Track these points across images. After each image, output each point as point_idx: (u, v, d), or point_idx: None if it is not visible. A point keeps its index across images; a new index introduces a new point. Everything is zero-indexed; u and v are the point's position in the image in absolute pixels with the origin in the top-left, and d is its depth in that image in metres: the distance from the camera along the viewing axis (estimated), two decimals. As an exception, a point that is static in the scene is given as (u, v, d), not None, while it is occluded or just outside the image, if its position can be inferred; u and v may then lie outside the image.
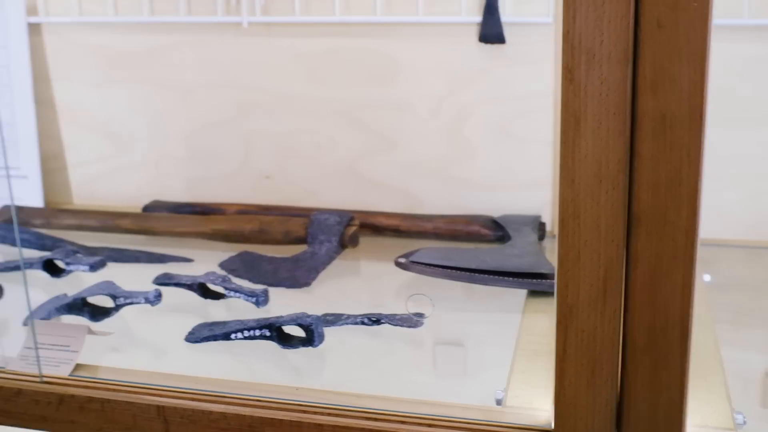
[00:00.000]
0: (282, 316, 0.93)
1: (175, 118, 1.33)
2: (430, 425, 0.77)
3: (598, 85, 0.66)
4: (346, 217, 1.19)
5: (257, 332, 0.93)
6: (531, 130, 1.20)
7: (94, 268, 1.10)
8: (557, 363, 0.72)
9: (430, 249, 1.11)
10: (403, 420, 0.78)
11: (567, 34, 0.64)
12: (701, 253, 0.67)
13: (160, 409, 0.84)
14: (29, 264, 1.12)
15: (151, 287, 1.03)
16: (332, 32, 1.24)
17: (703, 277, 1.08)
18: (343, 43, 1.24)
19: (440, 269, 1.06)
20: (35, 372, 0.89)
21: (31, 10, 1.35)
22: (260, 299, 1.00)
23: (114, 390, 0.86)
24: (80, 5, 1.33)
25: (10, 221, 1.27)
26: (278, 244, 1.20)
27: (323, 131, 1.28)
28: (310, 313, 0.92)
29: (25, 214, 1.30)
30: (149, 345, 0.99)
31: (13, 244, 1.21)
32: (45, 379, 0.88)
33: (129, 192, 1.37)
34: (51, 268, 1.13)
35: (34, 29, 1.35)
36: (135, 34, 1.32)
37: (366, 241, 1.21)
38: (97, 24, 1.33)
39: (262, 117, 1.30)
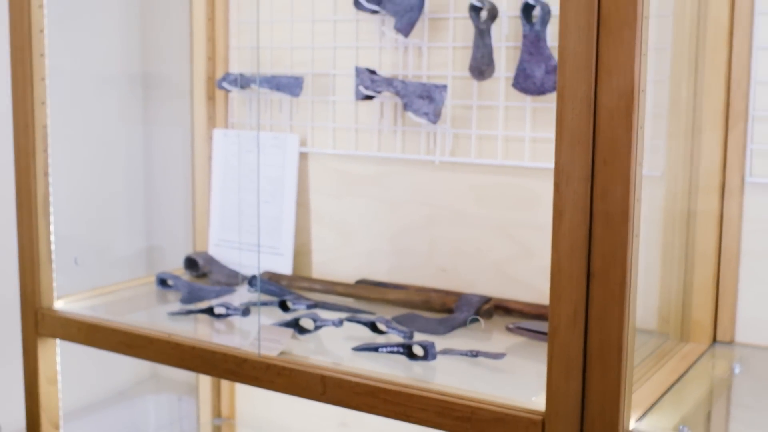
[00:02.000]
0: (412, 341, 1.44)
1: (385, 223, 1.90)
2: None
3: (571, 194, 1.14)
4: (485, 298, 1.69)
5: (395, 349, 1.45)
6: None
7: (309, 307, 1.67)
8: (548, 365, 1.18)
9: (533, 322, 1.58)
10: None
11: (556, 165, 1.14)
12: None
13: (323, 378, 1.38)
14: (271, 303, 1.72)
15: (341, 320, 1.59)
16: (495, 171, 1.76)
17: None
18: (502, 179, 1.76)
19: (534, 333, 1.53)
20: (256, 351, 1.46)
21: (303, 143, 2.00)
22: (406, 334, 1.52)
23: (299, 365, 1.41)
24: (334, 142, 1.96)
25: (271, 279, 1.88)
26: (437, 312, 1.72)
27: (483, 240, 1.79)
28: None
29: (277, 277, 1.92)
30: (330, 350, 1.54)
31: (268, 292, 1.82)
32: (261, 356, 1.45)
33: (348, 271, 1.95)
34: (283, 306, 1.72)
35: (303, 156, 2.00)
36: (367, 163, 1.92)
37: (498, 318, 1.69)
38: (344, 155, 1.94)
39: (442, 226, 1.84)
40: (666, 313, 1.56)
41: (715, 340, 1.56)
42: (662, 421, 1.22)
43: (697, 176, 1.54)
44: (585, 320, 1.15)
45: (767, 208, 1.53)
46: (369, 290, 1.83)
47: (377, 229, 1.92)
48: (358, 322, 1.60)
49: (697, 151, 1.54)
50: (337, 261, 1.98)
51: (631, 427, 1.17)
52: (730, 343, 1.55)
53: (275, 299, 1.75)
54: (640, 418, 1.22)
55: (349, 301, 1.82)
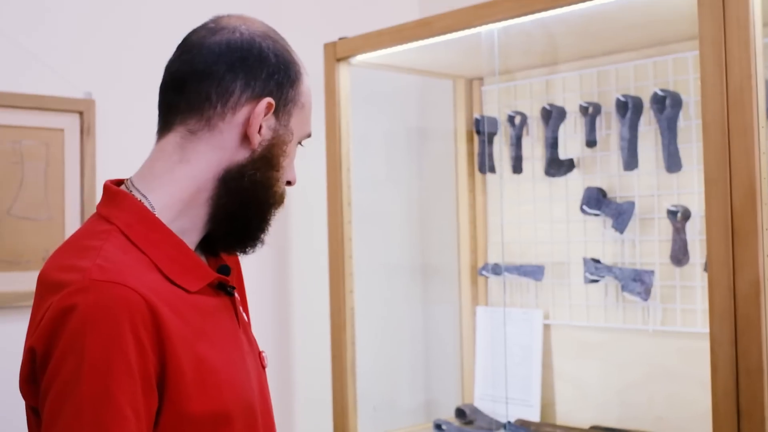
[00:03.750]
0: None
1: (612, 380, 2.38)
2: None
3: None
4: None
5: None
6: None
7: (549, 444, 2.17)
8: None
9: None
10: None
11: (711, 333, 1.62)
12: None
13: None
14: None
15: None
16: (697, 337, 2.21)
17: None
18: (703, 344, 2.20)
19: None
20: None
21: (546, 316, 2.54)
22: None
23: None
24: (570, 315, 2.48)
25: (522, 425, 2.41)
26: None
27: (690, 392, 2.22)
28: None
29: (527, 423, 2.44)
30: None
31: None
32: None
33: (584, 418, 2.42)
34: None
35: (546, 327, 2.54)
36: (596, 332, 2.42)
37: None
38: (578, 326, 2.46)
39: (658, 382, 2.28)
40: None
41: None
42: None
43: None
44: None
45: None
46: (594, 433, 2.30)
47: (606, 384, 2.40)
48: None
49: None
50: (574, 411, 2.47)
51: None
52: None
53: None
54: None
55: (583, 443, 2.30)
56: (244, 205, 1.27)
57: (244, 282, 1.45)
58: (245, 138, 1.24)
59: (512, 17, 1.98)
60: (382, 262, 2.80)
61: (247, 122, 1.24)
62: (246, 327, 1.35)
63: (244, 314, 1.37)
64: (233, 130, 1.24)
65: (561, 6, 1.89)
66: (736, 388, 1.60)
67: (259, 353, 1.37)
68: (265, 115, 1.25)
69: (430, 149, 2.87)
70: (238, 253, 1.34)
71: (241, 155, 1.25)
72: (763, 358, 1.57)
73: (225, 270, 1.32)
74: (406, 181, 2.87)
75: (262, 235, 1.32)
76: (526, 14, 1.96)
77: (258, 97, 1.24)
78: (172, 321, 1.15)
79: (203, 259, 1.32)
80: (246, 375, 1.27)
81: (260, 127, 1.24)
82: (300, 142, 1.33)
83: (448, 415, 2.65)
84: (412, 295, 2.87)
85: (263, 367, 1.37)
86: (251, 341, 1.35)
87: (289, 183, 1.33)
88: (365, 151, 2.62)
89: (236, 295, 1.33)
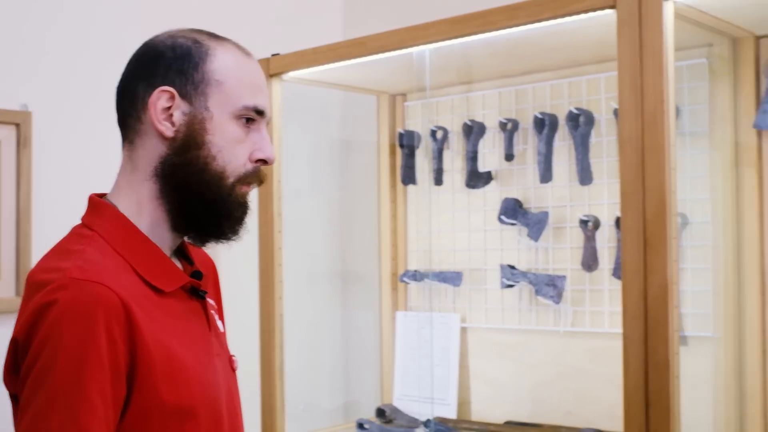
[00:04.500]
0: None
1: (525, 378, 2.54)
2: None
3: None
4: (599, 431, 2.29)
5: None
6: None
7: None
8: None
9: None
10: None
11: (624, 332, 1.79)
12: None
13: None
14: None
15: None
16: (604, 337, 2.39)
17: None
18: (610, 343, 2.38)
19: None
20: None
21: (463, 320, 2.69)
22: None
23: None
24: (486, 319, 2.64)
25: (441, 422, 2.54)
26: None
27: (598, 389, 2.40)
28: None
29: (445, 420, 2.58)
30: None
31: (439, 431, 2.48)
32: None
33: (499, 415, 2.58)
34: None
35: (463, 330, 2.69)
36: (510, 334, 2.59)
37: (610, 447, 2.28)
38: (494, 328, 2.62)
39: (567, 380, 2.46)
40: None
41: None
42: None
43: (744, 336, 2.13)
44: (648, 433, 1.76)
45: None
46: (515, 428, 2.46)
47: (519, 383, 2.56)
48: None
49: (744, 318, 2.14)
50: (489, 408, 2.62)
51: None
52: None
53: None
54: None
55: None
56: (187, 192, 1.34)
57: (221, 291, 1.55)
58: (159, 131, 1.33)
59: (445, 39, 2.13)
60: (307, 269, 2.90)
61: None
62: (217, 331, 1.44)
63: (217, 320, 1.46)
64: (149, 128, 1.33)
65: (490, 30, 2.05)
66: (645, 382, 1.77)
67: (230, 357, 1.46)
68: (171, 104, 1.31)
69: (354, 161, 3.00)
70: (224, 241, 1.39)
71: (163, 147, 1.33)
72: (670, 355, 1.74)
73: (197, 275, 1.42)
74: (330, 191, 2.99)
75: (231, 216, 1.36)
76: (458, 37, 2.10)
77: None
78: (144, 318, 1.25)
79: (179, 264, 1.42)
80: (213, 374, 1.36)
81: (171, 116, 1.32)
82: (251, 119, 1.35)
83: (369, 414, 2.77)
84: (335, 301, 2.98)
85: (233, 370, 1.47)
86: (222, 345, 1.45)
87: (264, 162, 1.37)
88: (292, 163, 2.72)
89: (209, 300, 1.43)
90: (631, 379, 1.79)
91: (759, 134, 2.15)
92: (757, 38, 2.12)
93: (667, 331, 1.75)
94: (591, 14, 1.91)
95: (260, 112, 1.36)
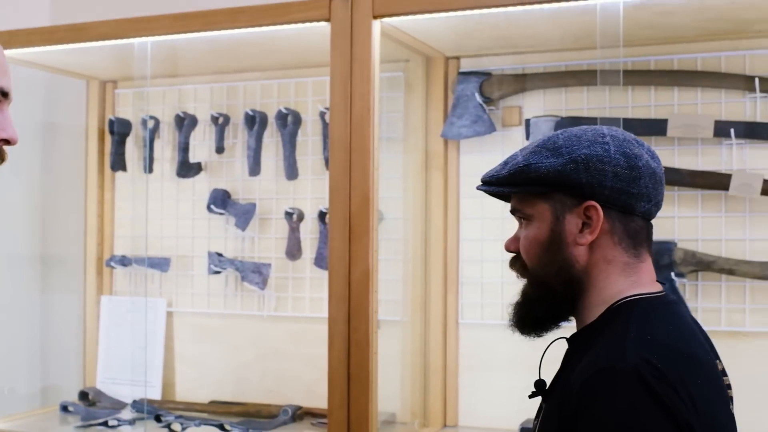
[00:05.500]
0: None
1: (229, 360, 2.69)
2: None
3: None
4: (298, 407, 2.49)
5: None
6: None
7: (176, 419, 2.43)
8: None
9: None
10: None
11: (329, 313, 2.00)
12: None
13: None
14: (149, 417, 2.47)
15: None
16: (305, 321, 2.59)
17: None
18: (310, 326, 2.59)
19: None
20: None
21: (169, 304, 2.78)
22: (245, 431, 2.29)
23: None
24: (192, 303, 2.75)
25: (147, 402, 2.62)
26: (267, 418, 2.50)
27: (297, 369, 2.60)
28: None
29: (151, 401, 2.66)
30: None
31: (146, 411, 2.56)
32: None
33: (203, 394, 2.70)
34: (158, 419, 2.46)
35: (169, 314, 2.78)
36: (215, 318, 2.72)
37: (307, 418, 2.49)
38: (199, 312, 2.74)
39: (269, 361, 2.64)
40: (413, 403, 2.40)
41: (445, 424, 2.40)
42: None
43: (429, 319, 2.43)
44: (348, 406, 1.98)
45: (470, 338, 2.42)
46: (219, 407, 2.60)
47: (223, 365, 2.70)
48: (212, 425, 2.37)
49: (429, 308, 2.44)
50: (194, 389, 2.74)
51: (377, 469, 1.99)
52: (455, 426, 2.40)
53: (151, 415, 2.50)
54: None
55: (204, 415, 2.58)
56: None
57: None
58: None
59: (168, 34, 2.22)
60: (6, 252, 2.85)
61: None
62: None
63: None
64: None
65: (213, 30, 2.17)
66: (347, 359, 1.99)
67: None
68: None
69: (61, 145, 2.97)
70: None
71: None
72: (370, 334, 1.97)
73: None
74: (32, 174, 2.94)
75: None
76: (181, 33, 2.20)
77: None
78: None
79: None
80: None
81: None
82: None
83: (72, 398, 2.78)
84: (35, 285, 2.94)
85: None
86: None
87: (6, 142, 1.39)
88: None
89: None
90: (335, 356, 2.00)
91: (446, 143, 2.46)
92: (447, 59, 2.42)
93: (368, 313, 1.98)
94: (307, 24, 2.10)
95: (4, 94, 1.39)
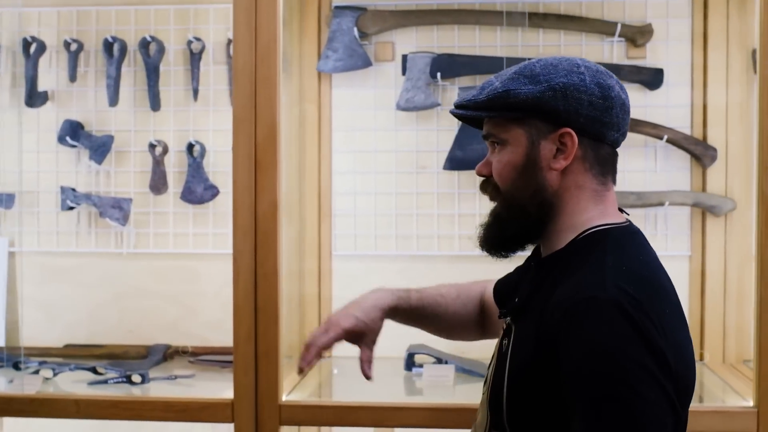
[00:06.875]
0: (132, 372, 2.15)
1: (83, 302, 2.56)
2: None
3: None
4: (167, 346, 2.42)
5: (121, 379, 2.15)
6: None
7: (40, 364, 2.29)
8: (234, 367, 1.97)
9: (205, 357, 2.35)
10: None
11: (234, 246, 1.96)
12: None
13: (77, 401, 2.04)
14: (7, 365, 2.31)
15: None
16: (168, 257, 2.51)
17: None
18: (173, 263, 2.52)
19: (208, 362, 2.31)
20: (19, 392, 2.08)
21: (12, 244, 2.59)
22: (121, 372, 2.21)
23: (56, 396, 2.05)
24: (39, 243, 2.58)
25: None
26: (134, 359, 2.42)
27: (162, 306, 2.53)
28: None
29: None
30: (72, 388, 2.18)
31: (-5, 358, 2.40)
32: (24, 395, 2.07)
33: (55, 338, 2.56)
34: (17, 367, 2.31)
35: (12, 254, 2.59)
36: (67, 257, 2.57)
37: (177, 358, 2.43)
38: (47, 252, 2.58)
39: (130, 300, 2.54)
40: (290, 335, 2.42)
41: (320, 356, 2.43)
42: (302, 394, 2.07)
43: (305, 250, 2.44)
44: (255, 337, 1.97)
45: (344, 269, 2.46)
46: (77, 350, 2.48)
47: (77, 306, 2.57)
48: (83, 368, 2.26)
49: (305, 240, 2.45)
50: (44, 333, 2.58)
51: (283, 400, 1.99)
52: (329, 357, 2.44)
53: (9, 363, 2.34)
54: (288, 394, 2.05)
55: (60, 359, 2.45)
56: None
57: None
58: None
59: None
60: None
61: None
62: None
63: None
64: None
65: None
66: (254, 290, 1.97)
67: None
68: None
69: None
70: None
71: None
72: (278, 265, 1.96)
73: None
74: None
75: None
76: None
77: None
78: None
79: None
80: None
81: None
82: None
83: None
84: None
85: None
86: None
87: None
88: None
89: None
90: (241, 288, 1.98)
91: (319, 76, 2.46)
92: (321, -8, 2.42)
93: (276, 244, 1.96)
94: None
95: None
